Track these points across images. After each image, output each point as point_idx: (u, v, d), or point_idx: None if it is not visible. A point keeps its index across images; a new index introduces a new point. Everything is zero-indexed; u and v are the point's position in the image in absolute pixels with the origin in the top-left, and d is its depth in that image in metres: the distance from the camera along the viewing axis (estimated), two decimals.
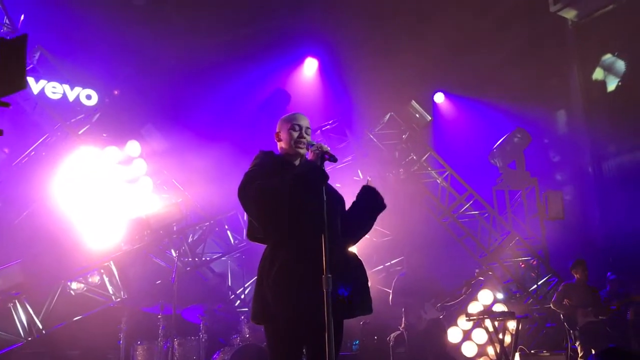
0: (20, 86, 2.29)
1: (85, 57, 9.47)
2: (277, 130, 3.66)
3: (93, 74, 9.15)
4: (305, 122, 3.63)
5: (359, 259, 3.63)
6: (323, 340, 2.99)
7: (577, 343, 8.23)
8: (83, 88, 8.78)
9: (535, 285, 10.07)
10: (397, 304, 8.60)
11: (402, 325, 8.41)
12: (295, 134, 3.57)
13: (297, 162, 3.60)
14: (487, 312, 8.57)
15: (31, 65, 8.45)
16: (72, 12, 9.37)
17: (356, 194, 3.76)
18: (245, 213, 3.49)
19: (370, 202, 3.72)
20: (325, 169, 3.36)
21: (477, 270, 8.90)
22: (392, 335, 8.59)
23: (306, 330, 3.25)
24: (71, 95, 8.67)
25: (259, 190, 3.26)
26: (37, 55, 8.47)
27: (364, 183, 3.78)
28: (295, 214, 3.28)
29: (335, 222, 3.49)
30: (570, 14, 10.81)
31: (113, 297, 8.35)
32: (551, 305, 8.64)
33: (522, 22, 11.33)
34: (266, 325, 3.37)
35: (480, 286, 9.32)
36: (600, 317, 8.23)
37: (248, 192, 3.32)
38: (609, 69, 11.95)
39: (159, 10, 10.36)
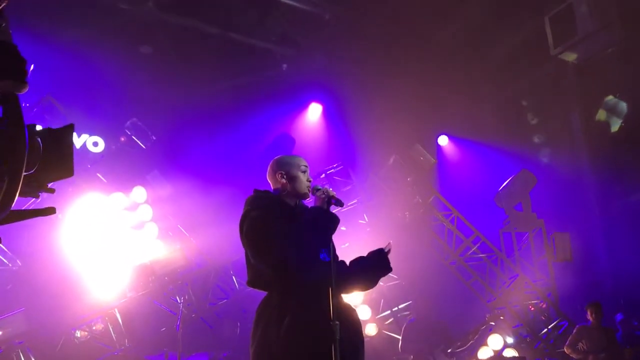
0: (68, 174, 2.37)
1: (92, 105, 9.59)
2: (283, 170, 3.57)
3: (100, 121, 9.25)
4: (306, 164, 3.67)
5: (353, 308, 3.60)
6: None
7: None
8: (90, 135, 8.86)
9: (546, 329, 9.90)
10: (407, 351, 8.49)
11: None
12: (306, 177, 3.58)
13: (292, 204, 3.57)
14: (498, 357, 8.43)
15: (39, 114, 8.56)
16: (80, 61, 9.53)
17: (369, 252, 3.72)
18: (250, 258, 3.43)
19: (378, 267, 3.67)
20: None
21: (487, 315, 8.78)
22: None
23: None
24: (78, 143, 8.76)
25: (279, 241, 3.23)
26: (45, 104, 8.58)
27: (384, 246, 3.74)
28: (311, 260, 3.27)
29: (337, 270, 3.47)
30: (571, 57, 10.92)
31: (117, 345, 8.25)
32: (564, 349, 8.47)
33: (524, 65, 11.46)
34: None
35: (489, 331, 9.17)
36: None
37: (267, 242, 3.27)
38: (611, 110, 12.01)
39: (166, 58, 10.54)
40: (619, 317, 9.65)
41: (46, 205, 2.35)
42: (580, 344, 8.25)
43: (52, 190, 2.31)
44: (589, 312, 8.45)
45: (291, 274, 3.24)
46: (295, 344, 3.16)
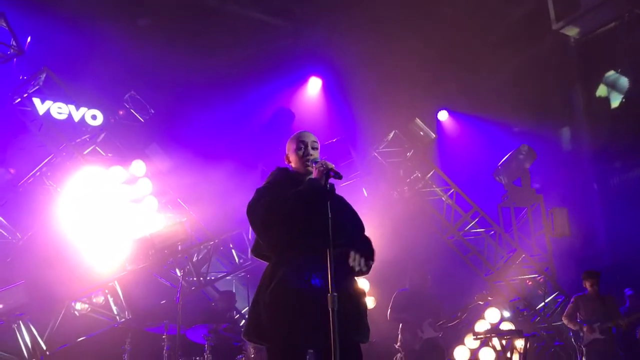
0: None
1: (90, 78, 9.52)
2: (286, 152, 3.69)
3: (98, 94, 9.19)
4: (310, 138, 3.62)
5: (360, 287, 3.58)
6: None
7: None
8: (88, 108, 8.81)
9: (543, 303, 9.99)
10: (394, 320, 8.53)
11: (398, 343, 8.34)
12: (301, 153, 3.57)
13: (305, 180, 3.59)
14: (495, 330, 8.49)
15: (37, 87, 8.51)
16: (78, 33, 9.45)
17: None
18: (251, 230, 3.53)
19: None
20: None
21: (476, 295, 8.85)
22: (397, 356, 8.50)
23: (304, 351, 3.29)
24: (77, 116, 8.71)
25: (264, 206, 3.35)
26: (43, 77, 8.52)
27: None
28: (296, 231, 3.30)
29: (340, 240, 3.36)
30: (572, 32, 10.83)
31: (117, 317, 8.31)
32: (562, 319, 8.52)
33: (525, 40, 11.37)
34: (262, 345, 3.40)
35: (486, 304, 9.24)
36: (604, 335, 8.06)
37: (255, 208, 3.41)
38: (612, 86, 11.94)
39: (164, 31, 10.43)
40: (628, 291, 9.62)
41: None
42: (577, 314, 8.30)
43: None
44: (587, 282, 8.41)
45: (257, 229, 3.41)
46: (277, 306, 3.24)
